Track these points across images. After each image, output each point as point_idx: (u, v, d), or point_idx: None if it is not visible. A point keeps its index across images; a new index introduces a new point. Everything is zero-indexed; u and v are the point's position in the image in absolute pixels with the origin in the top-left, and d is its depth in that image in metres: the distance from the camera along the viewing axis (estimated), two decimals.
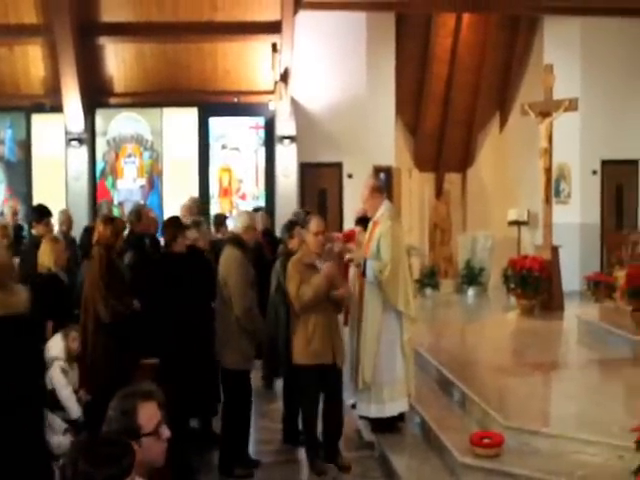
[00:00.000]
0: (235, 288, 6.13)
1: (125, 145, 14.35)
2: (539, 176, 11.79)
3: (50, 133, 14.20)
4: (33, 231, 7.83)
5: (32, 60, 14.01)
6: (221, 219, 9.69)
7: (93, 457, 2.37)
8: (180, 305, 6.14)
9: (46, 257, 6.66)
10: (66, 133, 14.01)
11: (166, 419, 2.78)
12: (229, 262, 6.26)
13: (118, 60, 14.15)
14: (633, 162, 14.44)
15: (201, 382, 6.25)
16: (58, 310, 6.47)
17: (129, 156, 14.37)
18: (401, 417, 6.86)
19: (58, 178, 14.08)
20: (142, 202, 13.93)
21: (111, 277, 6.24)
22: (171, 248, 6.43)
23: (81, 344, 6.24)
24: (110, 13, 13.57)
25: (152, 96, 14.26)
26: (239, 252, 6.27)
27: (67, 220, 9.89)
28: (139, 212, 8.11)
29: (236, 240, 6.40)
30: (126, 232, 7.73)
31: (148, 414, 2.71)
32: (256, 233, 7.13)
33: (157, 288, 6.29)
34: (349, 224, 11.62)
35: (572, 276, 12.89)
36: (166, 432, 2.76)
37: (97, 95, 14.16)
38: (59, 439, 5.50)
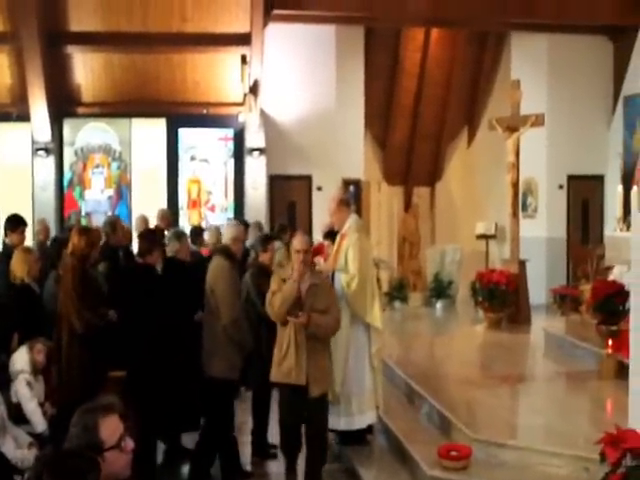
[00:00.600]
0: (223, 298, 6.14)
1: (93, 155, 14.23)
2: (506, 190, 11.92)
3: (16, 142, 14.03)
4: (6, 240, 7.66)
5: None
6: (198, 231, 9.67)
7: (58, 472, 2.35)
8: (154, 317, 6.09)
9: (19, 268, 6.58)
10: (33, 142, 13.85)
11: (131, 431, 2.76)
12: (217, 272, 6.26)
13: (86, 69, 14.05)
14: (599, 177, 14.65)
15: (174, 395, 6.19)
16: (30, 321, 6.39)
17: (97, 166, 14.25)
18: (369, 429, 6.86)
19: (24, 188, 13.90)
20: (110, 213, 13.85)
21: (85, 288, 6.18)
22: (145, 260, 6.38)
23: (54, 356, 6.16)
24: (78, 22, 13.47)
25: (121, 106, 14.17)
26: (227, 262, 6.28)
27: (44, 230, 9.80)
28: (114, 224, 8.06)
29: (225, 251, 6.41)
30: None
31: (110, 428, 2.70)
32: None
33: (131, 300, 6.23)
34: (318, 237, 11.61)
35: (539, 289, 13.02)
36: (130, 444, 2.74)
37: (65, 104, 14.03)
38: (23, 453, 5.41)
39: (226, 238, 6.64)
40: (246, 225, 10.40)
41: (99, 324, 6.18)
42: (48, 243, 9.49)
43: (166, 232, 8.11)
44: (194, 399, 6.51)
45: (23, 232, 7.69)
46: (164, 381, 6.06)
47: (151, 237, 6.60)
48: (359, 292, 6.58)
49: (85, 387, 5.87)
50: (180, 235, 7.15)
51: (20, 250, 6.97)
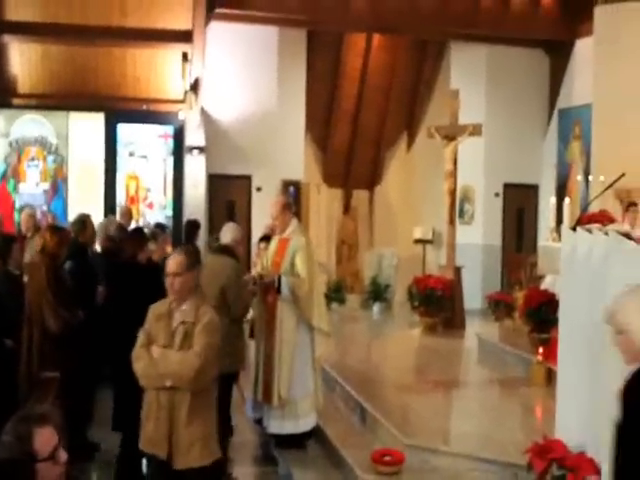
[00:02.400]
0: (237, 295, 6.31)
1: (28, 148, 13.88)
2: (444, 197, 12.09)
3: None
4: None
5: None
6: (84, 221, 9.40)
7: None
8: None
9: None
10: None
11: (64, 443, 2.72)
12: (227, 271, 6.35)
13: (23, 60, 13.71)
14: (533, 187, 14.99)
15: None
16: None
17: (32, 159, 13.91)
18: (309, 433, 6.87)
19: None
20: (45, 207, 13.57)
21: (58, 287, 6.06)
22: (136, 259, 6.43)
23: (24, 357, 6.02)
24: (16, 11, 13.13)
25: (58, 99, 13.87)
26: (233, 261, 6.43)
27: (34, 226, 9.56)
28: (84, 222, 7.85)
29: (228, 250, 6.51)
30: None
31: (44, 439, 2.64)
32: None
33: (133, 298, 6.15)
34: (257, 237, 11.60)
35: (474, 295, 13.25)
36: (63, 456, 2.69)
37: (0, 95, 13.67)
38: None
39: (227, 239, 6.66)
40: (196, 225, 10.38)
41: (73, 323, 6.10)
42: None
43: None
44: None
45: None
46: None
47: (139, 236, 6.67)
48: (309, 296, 6.62)
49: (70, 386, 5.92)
50: (156, 235, 7.16)
51: None
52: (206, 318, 4.48)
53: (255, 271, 7.11)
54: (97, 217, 11.95)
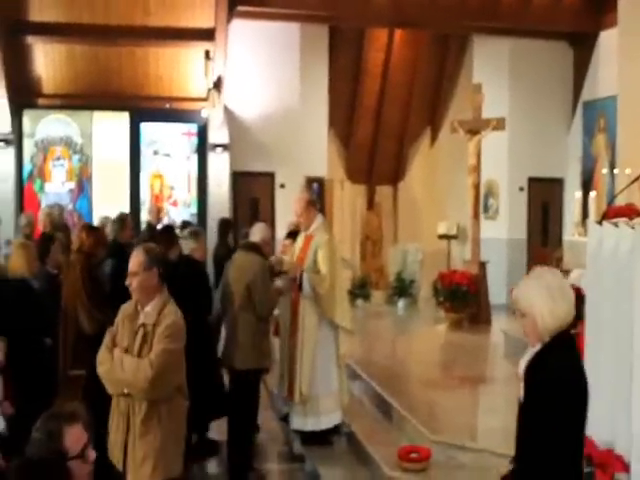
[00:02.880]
0: (264, 292, 6.28)
1: (54, 147, 14.01)
2: (468, 192, 12.03)
3: None
4: None
5: None
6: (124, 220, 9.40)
7: None
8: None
9: (18, 263, 6.45)
10: None
11: (93, 441, 2.74)
12: (254, 268, 6.34)
13: (47, 60, 13.82)
14: (558, 180, 14.87)
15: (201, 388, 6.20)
16: (28, 317, 6.26)
17: (58, 159, 14.04)
18: (336, 430, 6.87)
19: None
20: (70, 206, 13.69)
21: (92, 287, 6.10)
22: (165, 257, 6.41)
23: (58, 355, 6.07)
24: (40, 12, 13.25)
25: (82, 99, 13.97)
26: (261, 259, 6.41)
27: (30, 224, 9.66)
28: (124, 220, 7.88)
29: (256, 248, 6.48)
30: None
31: (74, 437, 2.67)
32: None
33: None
34: (281, 233, 11.62)
35: (500, 290, 13.17)
36: (92, 454, 2.72)
37: (25, 96, 13.80)
38: None
39: (256, 238, 6.64)
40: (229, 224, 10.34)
41: (108, 324, 6.12)
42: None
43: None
44: (219, 391, 6.66)
45: None
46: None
47: (169, 234, 6.72)
48: (330, 293, 6.61)
49: (91, 388, 5.85)
50: (197, 234, 7.07)
51: (19, 245, 6.85)
52: (167, 321, 4.20)
53: (275, 258, 7.01)
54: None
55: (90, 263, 6.27)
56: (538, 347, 3.38)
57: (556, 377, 3.25)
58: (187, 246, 6.85)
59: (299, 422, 6.71)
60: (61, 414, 2.72)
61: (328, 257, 6.60)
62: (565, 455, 3.25)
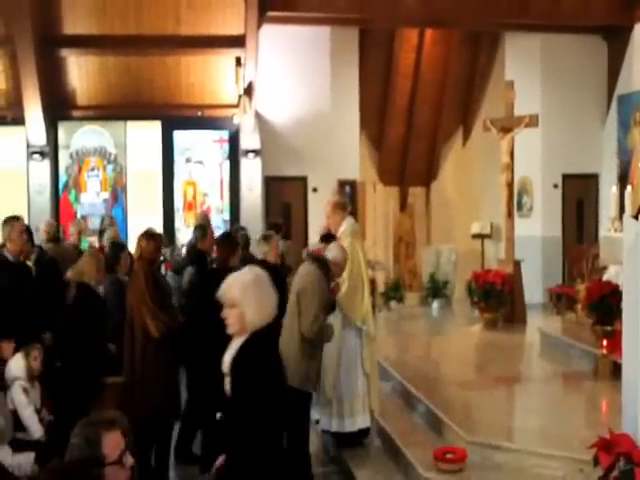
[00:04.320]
0: (306, 307, 5.96)
1: (88, 158, 14.22)
2: (501, 190, 11.94)
3: (12, 146, 14.02)
4: None
5: None
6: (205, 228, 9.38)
7: None
8: None
9: (87, 268, 6.58)
10: (28, 146, 13.85)
11: (131, 447, 2.78)
12: (306, 279, 6.10)
13: (81, 72, 14.04)
14: (593, 176, 14.69)
15: None
16: (93, 323, 6.38)
17: (92, 169, 14.24)
18: (365, 433, 6.87)
19: (20, 192, 13.89)
20: (110, 216, 13.86)
21: (156, 291, 6.22)
22: (227, 263, 6.50)
23: (126, 361, 6.24)
24: (73, 25, 13.47)
25: (115, 109, 14.16)
26: (320, 272, 6.07)
27: (78, 232, 9.88)
28: (205, 228, 7.94)
29: (321, 261, 6.21)
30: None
31: (112, 443, 2.70)
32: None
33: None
34: (314, 238, 11.64)
35: (535, 289, 13.06)
36: (130, 460, 2.75)
37: (60, 108, 14.03)
38: (20, 459, 5.43)
39: (329, 255, 6.34)
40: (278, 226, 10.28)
41: (174, 327, 6.24)
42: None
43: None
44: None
45: None
46: None
47: (230, 241, 6.78)
48: (350, 296, 6.61)
49: (160, 391, 6.09)
50: (269, 237, 7.08)
51: (89, 253, 7.00)
52: None
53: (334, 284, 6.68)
54: (156, 224, 12.19)
55: (152, 269, 6.38)
56: (240, 341, 3.59)
57: (259, 371, 3.45)
58: (260, 250, 6.82)
59: (325, 422, 6.74)
60: (99, 420, 2.75)
61: (349, 260, 6.57)
62: (271, 446, 3.45)
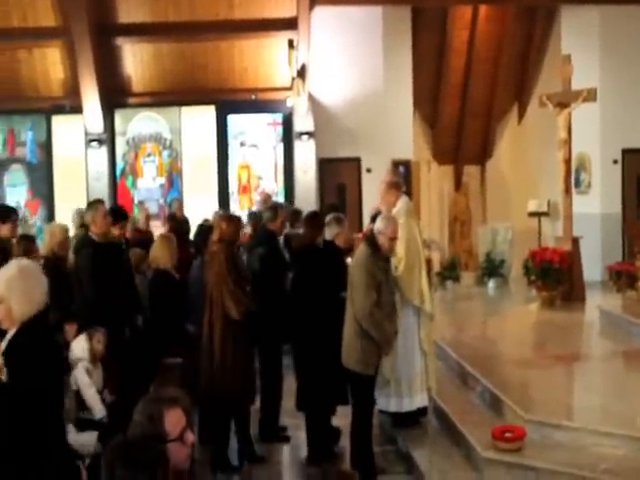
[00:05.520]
0: (357, 288, 5.94)
1: (144, 144, 14.45)
2: (558, 167, 11.74)
3: (70, 134, 14.33)
4: (1, 232, 6.94)
5: (51, 62, 14.13)
6: (298, 214, 9.30)
7: (131, 462, 2.43)
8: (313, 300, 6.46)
9: (160, 254, 6.72)
10: (86, 134, 14.13)
11: (192, 425, 2.83)
12: (357, 260, 6.08)
13: (136, 60, 14.24)
14: None
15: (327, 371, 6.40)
16: (171, 307, 6.51)
17: (148, 155, 14.47)
18: (423, 412, 6.87)
19: (79, 179, 14.21)
20: (161, 201, 14.10)
21: (236, 273, 6.35)
22: (313, 243, 6.69)
23: (205, 342, 6.33)
24: (127, 14, 13.65)
25: (170, 95, 14.34)
26: (369, 250, 6.00)
27: (146, 217, 10.32)
28: (276, 210, 8.00)
29: (369, 238, 6.13)
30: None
31: (174, 420, 2.73)
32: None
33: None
34: (368, 218, 11.62)
35: (594, 266, 12.82)
36: (190, 437, 2.78)
37: (116, 95, 14.27)
38: (84, 438, 5.58)
39: (375, 229, 6.18)
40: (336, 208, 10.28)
41: (252, 308, 6.36)
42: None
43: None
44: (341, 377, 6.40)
45: (15, 223, 7.16)
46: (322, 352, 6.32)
47: (317, 220, 6.93)
48: (407, 275, 6.57)
49: (237, 371, 6.23)
50: (340, 220, 7.08)
51: (162, 237, 7.14)
52: None
53: None
54: (212, 208, 12.34)
55: (232, 251, 6.48)
56: (13, 331, 3.58)
57: (32, 359, 3.47)
58: (331, 231, 6.84)
59: (383, 403, 6.73)
60: (162, 398, 2.80)
61: (404, 238, 6.55)
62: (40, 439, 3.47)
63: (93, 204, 7.24)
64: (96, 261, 6.69)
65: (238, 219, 6.91)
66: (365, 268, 5.92)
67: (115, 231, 7.34)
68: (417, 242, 6.76)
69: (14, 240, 6.74)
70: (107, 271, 6.68)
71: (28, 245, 6.72)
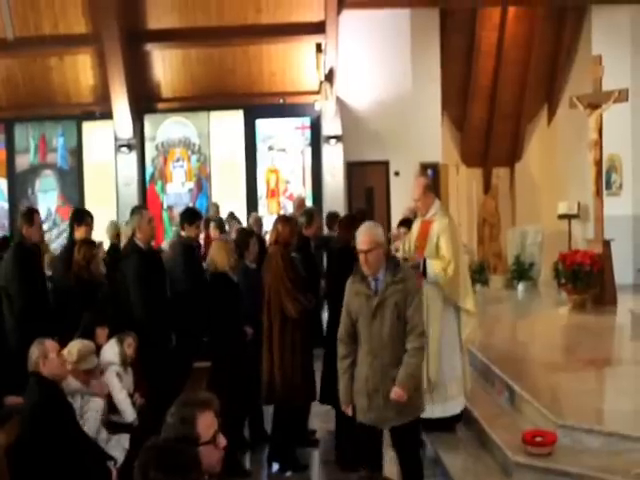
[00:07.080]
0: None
1: (173, 149, 14.57)
2: (589, 168, 11.61)
3: (100, 140, 14.50)
4: (76, 234, 7.32)
5: (82, 69, 14.31)
6: (335, 217, 9.34)
7: (165, 465, 2.45)
8: None
9: (218, 257, 6.81)
10: (116, 139, 14.28)
11: (224, 429, 2.85)
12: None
13: (165, 66, 14.37)
14: None
15: None
16: (228, 309, 6.58)
17: (177, 160, 14.59)
18: (459, 417, 6.81)
19: (109, 184, 14.37)
20: (191, 205, 14.16)
21: (293, 273, 6.45)
22: (348, 244, 6.61)
23: (265, 342, 6.42)
24: (156, 20, 13.79)
25: (199, 100, 14.45)
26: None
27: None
28: (312, 215, 8.05)
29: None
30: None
31: (206, 423, 2.76)
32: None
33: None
34: (397, 222, 11.59)
35: (625, 269, 12.66)
36: (222, 440, 2.81)
37: (145, 101, 14.40)
38: (114, 440, 5.63)
39: None
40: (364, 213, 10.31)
41: (310, 308, 6.48)
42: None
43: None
44: None
45: (90, 225, 7.43)
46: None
47: (353, 223, 6.84)
48: (455, 277, 6.51)
49: (297, 370, 6.32)
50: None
51: (219, 241, 7.27)
52: None
53: (398, 255, 6.97)
54: (240, 212, 12.39)
55: (288, 252, 6.58)
56: None
57: None
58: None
59: (426, 410, 6.65)
60: (194, 401, 2.83)
61: (451, 240, 6.50)
62: None
63: (137, 210, 7.26)
64: (142, 267, 6.74)
65: (294, 221, 6.99)
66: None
67: (191, 232, 7.53)
68: (460, 242, 6.77)
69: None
70: (153, 277, 6.75)
71: (89, 249, 6.85)
